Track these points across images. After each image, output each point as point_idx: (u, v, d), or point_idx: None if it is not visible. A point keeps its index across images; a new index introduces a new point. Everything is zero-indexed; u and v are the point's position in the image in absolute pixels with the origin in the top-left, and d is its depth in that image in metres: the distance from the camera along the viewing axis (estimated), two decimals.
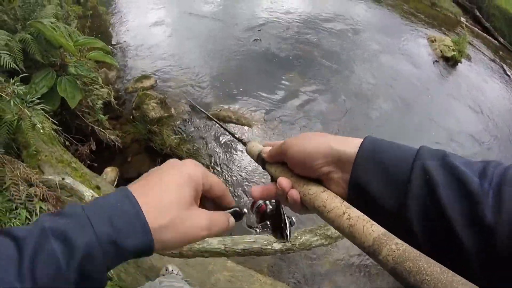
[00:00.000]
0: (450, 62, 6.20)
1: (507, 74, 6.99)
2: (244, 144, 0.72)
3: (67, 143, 3.23)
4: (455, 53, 6.17)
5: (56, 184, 2.29)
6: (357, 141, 0.48)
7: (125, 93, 4.32)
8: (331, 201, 0.46)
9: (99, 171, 3.38)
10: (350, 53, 5.85)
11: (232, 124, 4.13)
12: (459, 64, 6.25)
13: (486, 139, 5.09)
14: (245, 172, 3.73)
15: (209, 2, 6.59)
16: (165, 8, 6.25)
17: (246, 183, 3.63)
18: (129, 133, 3.80)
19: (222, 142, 3.96)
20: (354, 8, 7.23)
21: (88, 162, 3.38)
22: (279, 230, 0.62)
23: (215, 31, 5.80)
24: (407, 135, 4.64)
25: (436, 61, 6.22)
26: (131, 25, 5.82)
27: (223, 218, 0.51)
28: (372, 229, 0.39)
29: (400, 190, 0.42)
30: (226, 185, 3.55)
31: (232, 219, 0.54)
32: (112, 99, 3.76)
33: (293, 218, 0.62)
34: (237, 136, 0.77)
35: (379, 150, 0.46)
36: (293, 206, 0.52)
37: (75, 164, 2.98)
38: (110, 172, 3.50)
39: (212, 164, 3.76)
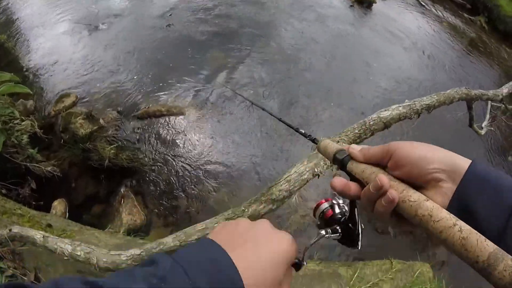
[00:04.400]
0: (365, 4, 6.41)
1: (421, 3, 7.35)
2: (314, 142, 0.67)
3: (4, 191, 3.08)
4: None
5: (5, 237, 2.15)
6: (467, 159, 0.49)
7: (49, 118, 4.04)
8: (438, 211, 0.44)
9: (46, 208, 3.25)
10: (266, 17, 5.85)
11: (164, 117, 4.04)
12: (374, 4, 6.47)
13: (415, 67, 5.38)
14: (191, 159, 3.70)
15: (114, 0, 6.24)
16: (69, 18, 5.82)
17: (198, 169, 3.62)
18: (64, 158, 3.59)
19: (161, 137, 3.87)
20: None
21: (34, 202, 3.21)
22: (350, 237, 0.58)
23: (126, 28, 5.51)
24: (345, 84, 4.78)
25: (351, 5, 6.39)
26: (38, 46, 5.38)
27: (290, 278, 0.51)
28: (486, 243, 0.38)
29: (505, 212, 0.43)
30: (178, 182, 3.52)
31: (293, 272, 0.53)
32: (37, 129, 3.53)
33: (362, 224, 0.58)
34: (305, 133, 0.72)
35: (489, 170, 0.46)
36: (384, 209, 0.49)
37: (20, 210, 2.87)
38: (58, 205, 3.36)
39: (154, 163, 3.67)
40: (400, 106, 2.02)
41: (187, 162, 3.67)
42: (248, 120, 4.10)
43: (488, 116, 3.71)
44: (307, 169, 1.35)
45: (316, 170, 1.37)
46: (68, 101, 4.09)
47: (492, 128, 3.90)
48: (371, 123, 1.77)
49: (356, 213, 0.58)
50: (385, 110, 1.90)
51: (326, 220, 0.60)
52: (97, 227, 2.98)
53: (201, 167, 3.65)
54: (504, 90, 3.28)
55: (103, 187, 3.50)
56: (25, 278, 2.16)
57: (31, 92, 3.71)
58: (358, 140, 1.66)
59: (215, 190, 3.47)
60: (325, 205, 0.62)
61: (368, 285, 2.59)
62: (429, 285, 2.60)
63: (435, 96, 2.32)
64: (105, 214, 3.34)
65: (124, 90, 4.41)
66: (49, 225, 2.75)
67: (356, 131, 1.69)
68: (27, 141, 3.27)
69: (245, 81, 4.60)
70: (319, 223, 0.61)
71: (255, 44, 5.23)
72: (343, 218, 0.59)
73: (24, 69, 4.99)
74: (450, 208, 0.46)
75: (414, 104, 2.13)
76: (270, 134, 4.00)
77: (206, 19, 5.63)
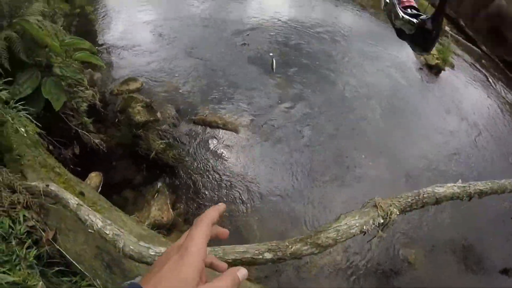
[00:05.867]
0: (434, 70, 6.32)
1: (489, 81, 7.17)
2: None
3: (50, 146, 3.13)
4: (439, 61, 6.30)
5: (40, 191, 2.21)
6: None
7: (110, 95, 4.25)
8: None
9: (83, 176, 3.28)
10: (336, 59, 5.91)
11: (218, 130, 4.12)
12: (442, 72, 6.38)
13: (468, 145, 5.20)
14: (233, 178, 3.72)
15: (198, 6, 6.57)
16: (153, 11, 6.21)
17: (237, 189, 3.63)
18: (113, 137, 3.73)
19: (210, 148, 3.93)
20: (340, 14, 7.31)
21: (72, 166, 3.28)
22: (423, 39, 0.50)
23: (204, 36, 5.78)
24: (395, 144, 4.70)
25: (420, 68, 6.34)
26: (119, 26, 5.76)
27: (227, 281, 0.47)
28: None
29: None
30: (214, 196, 3.51)
31: (242, 271, 0.49)
32: (97, 102, 3.68)
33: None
34: None
35: None
36: None
37: (58, 169, 2.89)
38: (95, 178, 3.43)
39: (198, 170, 3.73)
40: (455, 186, 1.99)
41: (227, 179, 3.70)
42: (298, 157, 4.08)
43: None
44: (357, 224, 1.38)
45: (364, 227, 1.39)
46: (133, 86, 4.29)
47: None
48: (424, 195, 1.75)
49: (442, 15, 0.45)
50: (440, 186, 1.88)
51: (410, 7, 0.50)
52: (123, 210, 2.99)
53: (239, 187, 3.66)
54: None
55: (141, 175, 3.57)
56: (43, 234, 2.18)
57: (104, 66, 3.89)
58: (408, 209, 1.66)
59: (246, 214, 3.46)
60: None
61: None
62: None
63: (489, 184, 2.27)
64: (135, 202, 3.38)
65: (188, 92, 4.58)
66: (82, 193, 2.75)
67: (409, 199, 1.69)
68: (85, 109, 3.43)
69: (299, 115, 4.63)
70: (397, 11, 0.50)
71: (319, 81, 5.30)
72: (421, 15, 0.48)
73: (100, 43, 5.32)
74: None
75: (469, 187, 2.09)
76: (316, 177, 3.94)
77: (278, 47, 5.80)
